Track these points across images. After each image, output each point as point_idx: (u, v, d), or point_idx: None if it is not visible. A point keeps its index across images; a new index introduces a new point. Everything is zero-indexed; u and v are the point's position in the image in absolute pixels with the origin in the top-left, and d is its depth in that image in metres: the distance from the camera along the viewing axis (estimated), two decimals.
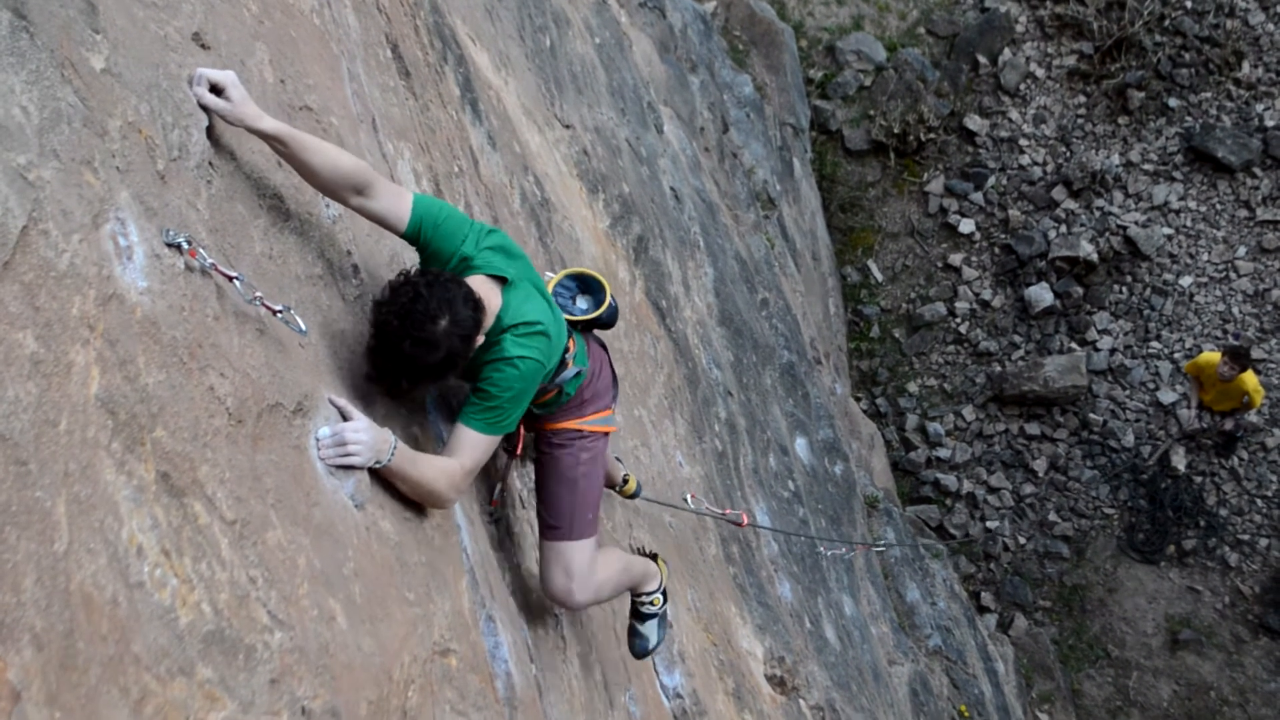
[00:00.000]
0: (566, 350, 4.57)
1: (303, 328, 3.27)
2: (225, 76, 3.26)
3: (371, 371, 3.82)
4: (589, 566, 4.75)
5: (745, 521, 7.77)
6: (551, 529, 4.76)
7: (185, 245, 2.88)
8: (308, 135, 3.60)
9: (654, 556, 5.45)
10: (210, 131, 3.26)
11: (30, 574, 2.10)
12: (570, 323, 4.84)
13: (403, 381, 3.82)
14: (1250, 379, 14.49)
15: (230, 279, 3.05)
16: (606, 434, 4.97)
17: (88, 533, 2.28)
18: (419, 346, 3.66)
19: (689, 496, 7.36)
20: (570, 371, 4.64)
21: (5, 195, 2.31)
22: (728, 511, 7.93)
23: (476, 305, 3.83)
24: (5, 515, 2.09)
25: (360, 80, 4.86)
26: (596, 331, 5.18)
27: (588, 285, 5.08)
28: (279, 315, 3.22)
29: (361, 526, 3.47)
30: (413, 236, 4.01)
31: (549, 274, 5.12)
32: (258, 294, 3.14)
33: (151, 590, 2.41)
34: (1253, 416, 15.92)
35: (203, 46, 3.41)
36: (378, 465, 3.59)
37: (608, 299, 5.02)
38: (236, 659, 2.61)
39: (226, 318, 3.06)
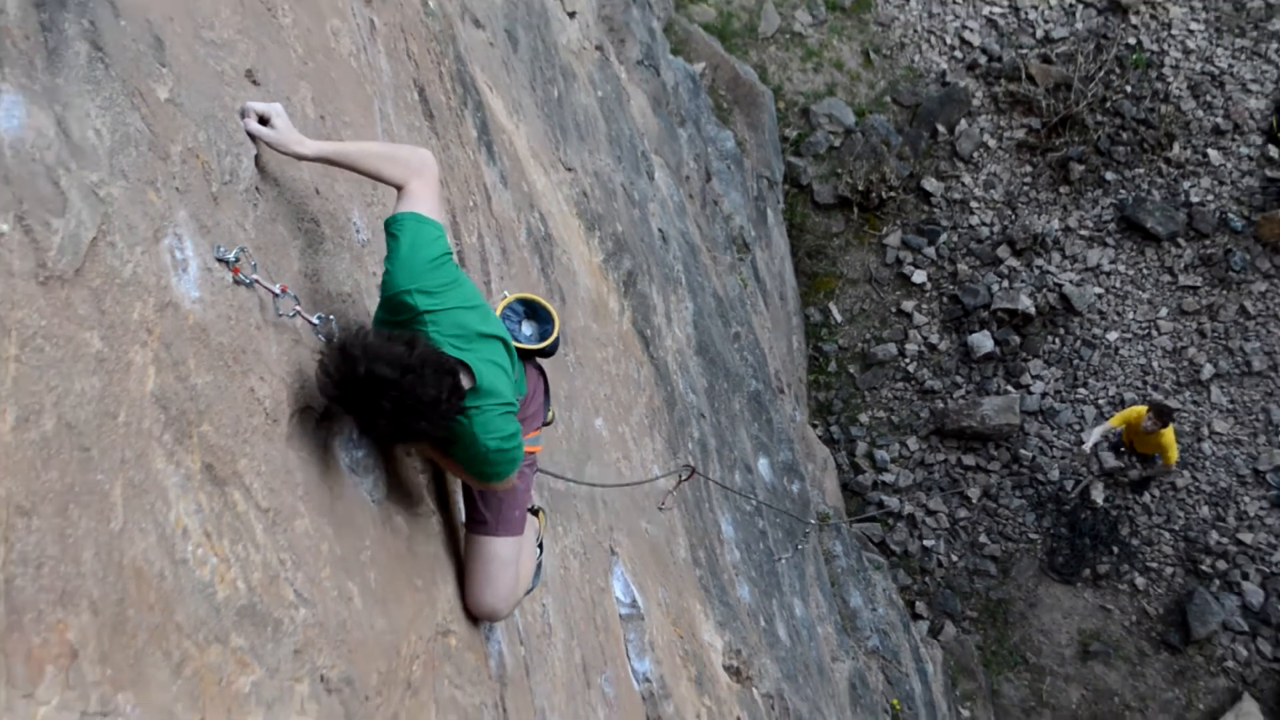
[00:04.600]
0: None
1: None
2: (271, 108, 3.28)
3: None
4: (511, 564, 4.21)
5: (693, 474, 7.88)
6: (478, 523, 4.18)
7: (232, 261, 2.90)
8: (352, 148, 3.53)
9: (537, 512, 4.85)
10: (258, 160, 3.27)
11: (89, 548, 2.12)
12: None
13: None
14: (1168, 436, 14.56)
15: (274, 294, 3.07)
16: (534, 453, 4.42)
17: (140, 514, 2.30)
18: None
19: (662, 504, 7.38)
20: None
21: (79, 209, 2.33)
22: (681, 474, 8.06)
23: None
24: (70, 495, 2.11)
25: (390, 119, 4.88)
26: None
27: (535, 312, 4.57)
28: (316, 327, 3.25)
29: (378, 519, 3.48)
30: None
31: (505, 293, 4.88)
32: (297, 307, 3.17)
33: (194, 567, 2.43)
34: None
35: (254, 82, 3.43)
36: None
37: (555, 333, 4.49)
38: (265, 630, 2.62)
39: (267, 328, 3.07)
